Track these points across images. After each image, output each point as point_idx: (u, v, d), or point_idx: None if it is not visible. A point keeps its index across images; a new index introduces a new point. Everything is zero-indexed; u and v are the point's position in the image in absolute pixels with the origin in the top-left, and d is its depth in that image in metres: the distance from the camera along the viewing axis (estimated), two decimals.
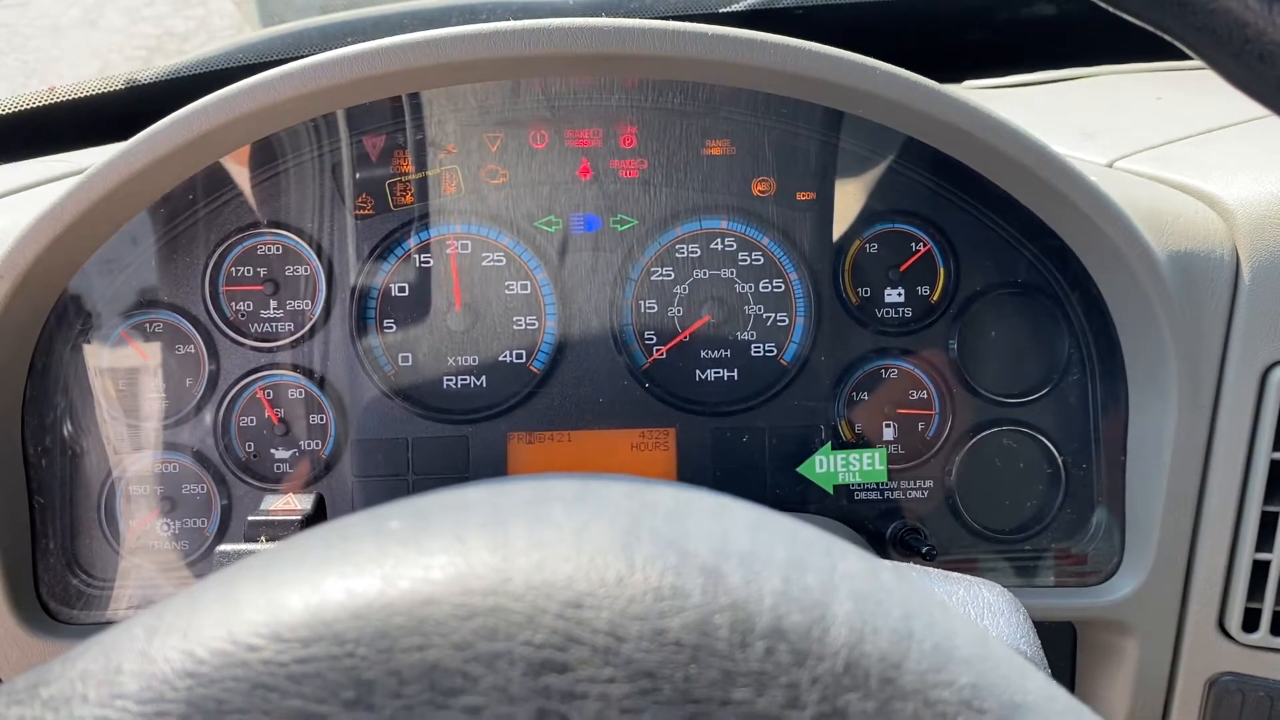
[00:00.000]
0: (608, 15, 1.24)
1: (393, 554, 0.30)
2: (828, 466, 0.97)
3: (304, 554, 0.31)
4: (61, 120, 1.29)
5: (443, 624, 0.28)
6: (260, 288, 0.96)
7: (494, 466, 0.98)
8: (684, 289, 0.99)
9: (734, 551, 0.30)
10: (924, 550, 0.93)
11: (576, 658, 0.27)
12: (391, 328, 0.97)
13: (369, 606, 0.28)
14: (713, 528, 0.31)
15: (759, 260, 0.99)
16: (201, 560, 0.96)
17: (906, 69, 0.86)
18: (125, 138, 0.86)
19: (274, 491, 0.96)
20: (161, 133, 0.82)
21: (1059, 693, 0.31)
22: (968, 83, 1.33)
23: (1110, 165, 1.02)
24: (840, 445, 0.98)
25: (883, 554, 0.96)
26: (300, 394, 0.97)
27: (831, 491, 0.98)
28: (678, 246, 0.99)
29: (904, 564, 0.74)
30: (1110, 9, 0.40)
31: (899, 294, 0.98)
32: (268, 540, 0.73)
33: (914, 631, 0.29)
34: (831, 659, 0.28)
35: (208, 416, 0.96)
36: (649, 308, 0.99)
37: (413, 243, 0.97)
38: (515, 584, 0.28)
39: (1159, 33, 0.39)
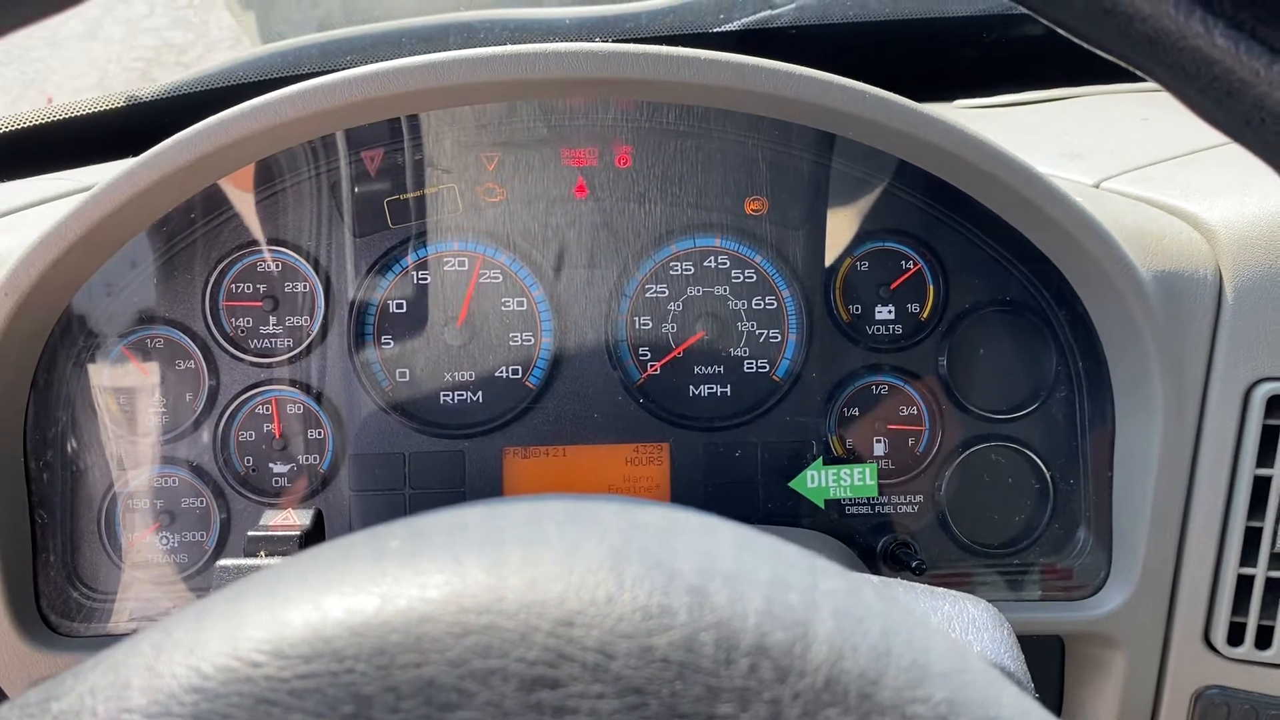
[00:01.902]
0: (604, 34, 1.26)
1: (391, 573, 0.31)
2: (819, 481, 0.98)
3: (305, 573, 0.32)
4: (62, 137, 1.30)
5: (439, 641, 0.29)
6: (260, 304, 0.97)
7: (489, 481, 0.99)
8: (678, 305, 1.00)
9: (719, 571, 0.31)
10: (913, 564, 0.94)
11: (567, 674, 0.29)
12: (389, 343, 0.98)
13: (367, 624, 0.29)
14: (699, 548, 0.32)
15: (752, 277, 1.00)
16: (200, 573, 0.96)
17: (896, 90, 0.87)
18: (126, 155, 0.87)
19: (272, 506, 0.97)
20: (165, 153, 0.84)
21: (1033, 707, 0.32)
22: (957, 103, 1.35)
23: (1096, 186, 1.03)
24: (831, 460, 0.99)
25: (873, 568, 0.97)
26: (298, 409, 0.98)
27: (823, 506, 0.99)
28: (672, 264, 1.00)
29: (889, 580, 0.75)
30: (1083, 44, 0.41)
31: (889, 311, 1.00)
32: (268, 555, 0.74)
33: (892, 648, 0.30)
34: (812, 675, 0.29)
35: (207, 431, 0.97)
36: (643, 324, 1.00)
37: (410, 259, 0.98)
38: (508, 603, 0.29)
39: (1129, 67, 0.41)
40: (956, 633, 0.60)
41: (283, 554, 0.76)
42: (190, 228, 0.96)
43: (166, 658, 0.30)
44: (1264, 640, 0.90)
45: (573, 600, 0.29)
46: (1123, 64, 0.40)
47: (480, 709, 0.28)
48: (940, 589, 0.66)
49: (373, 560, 0.32)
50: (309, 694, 0.28)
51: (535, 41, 0.86)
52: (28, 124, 1.29)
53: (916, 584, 0.68)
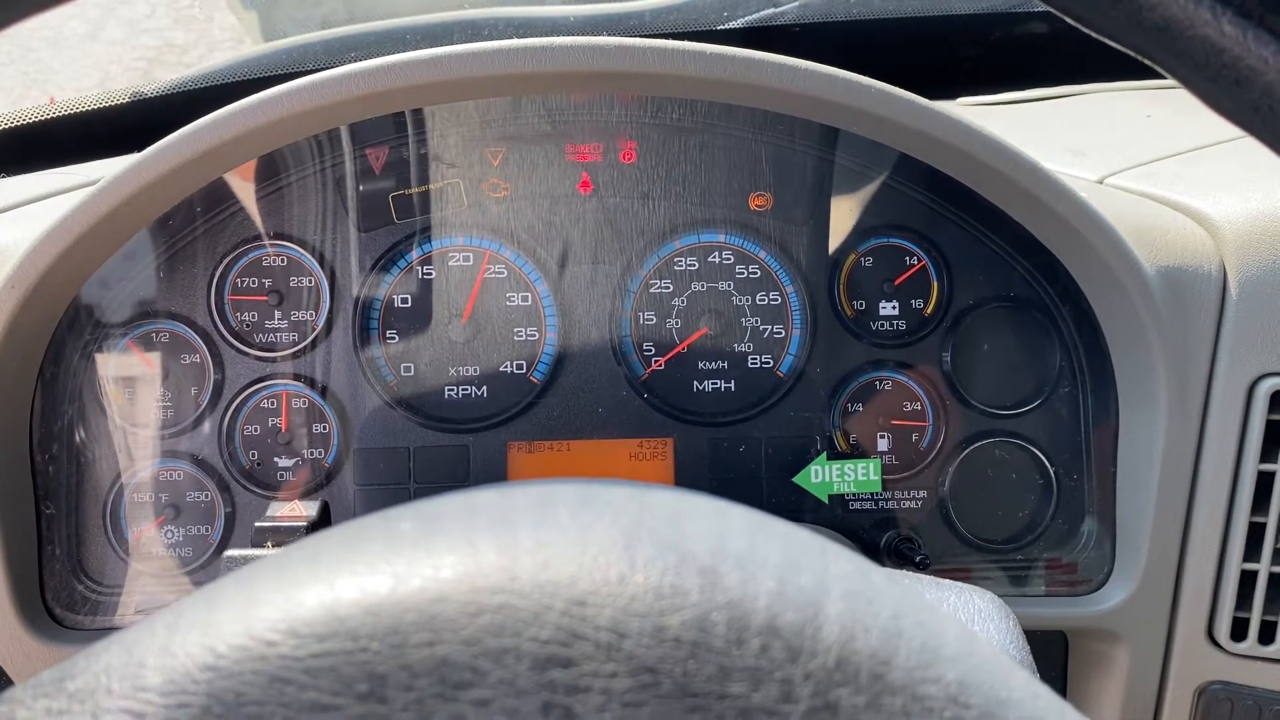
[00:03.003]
0: (608, 32, 1.26)
1: (404, 554, 0.31)
2: (823, 476, 0.98)
3: (318, 554, 0.32)
4: (67, 132, 1.31)
5: (452, 620, 0.29)
6: (265, 298, 0.97)
7: (494, 475, 0.99)
8: (682, 301, 1.00)
9: (731, 553, 0.31)
10: (917, 559, 0.94)
11: (580, 653, 0.29)
12: (394, 338, 0.99)
13: (381, 604, 0.30)
14: (710, 530, 0.32)
15: (756, 273, 1.00)
16: (205, 566, 0.97)
17: (901, 86, 0.87)
18: (130, 150, 0.87)
19: (276, 499, 0.97)
20: (172, 147, 0.84)
21: (1042, 689, 0.33)
22: (961, 100, 1.35)
23: (1100, 182, 1.03)
24: (835, 455, 0.99)
25: (877, 563, 0.97)
26: (303, 403, 0.98)
27: (826, 501, 0.99)
28: (676, 259, 1.00)
29: (895, 572, 0.75)
30: (1091, 33, 0.41)
31: (893, 307, 1.00)
32: (274, 546, 0.74)
33: (903, 630, 0.31)
34: (824, 655, 0.29)
35: (212, 425, 0.97)
36: (647, 319, 1.00)
37: (415, 255, 0.99)
38: (522, 583, 0.30)
39: (1138, 56, 0.41)
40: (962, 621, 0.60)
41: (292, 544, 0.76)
42: (195, 222, 0.96)
43: (180, 637, 0.30)
44: (1267, 636, 0.90)
45: (585, 580, 0.30)
46: (1132, 53, 0.40)
47: (494, 687, 0.28)
48: (946, 581, 0.66)
49: (385, 541, 0.32)
50: (323, 672, 0.29)
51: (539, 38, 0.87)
52: (32, 120, 1.29)
53: (923, 576, 0.68)
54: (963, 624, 0.34)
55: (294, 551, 0.33)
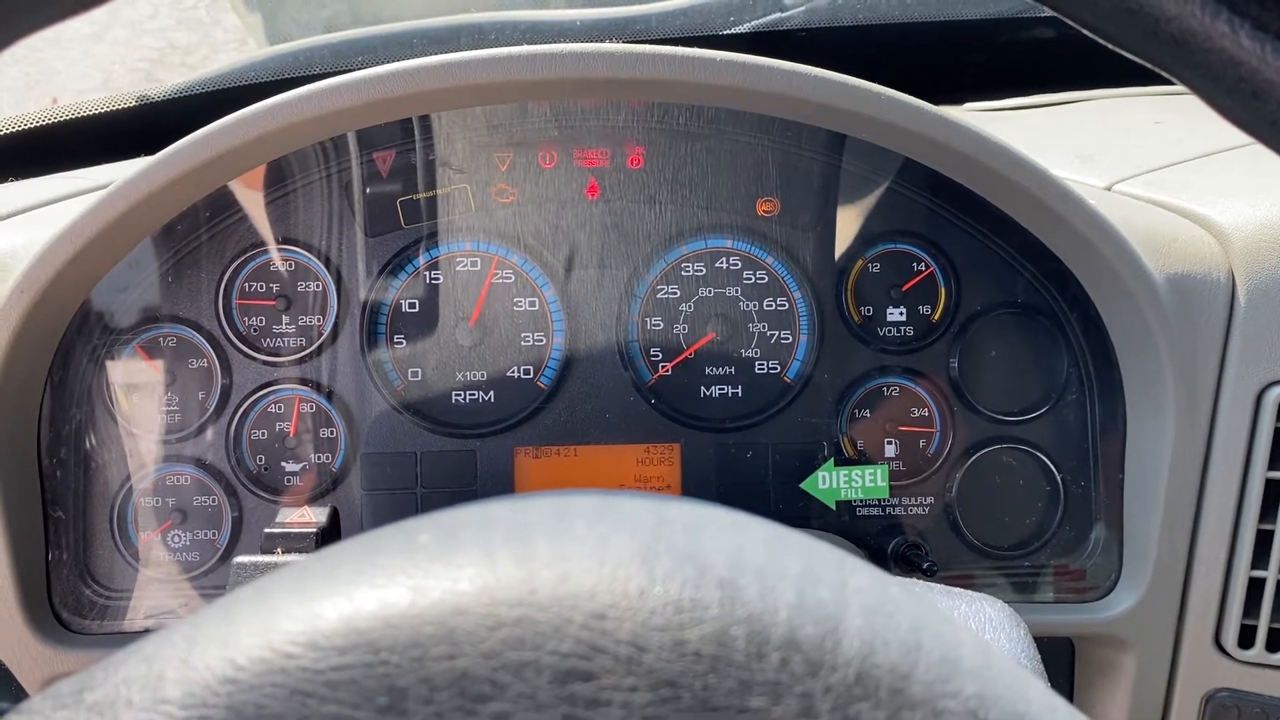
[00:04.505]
0: (614, 36, 1.26)
1: (423, 566, 0.31)
2: (830, 482, 0.98)
3: (337, 566, 0.32)
4: (73, 137, 1.31)
5: (472, 633, 0.29)
6: (273, 303, 0.97)
7: (501, 481, 0.99)
8: (689, 306, 1.00)
9: (750, 566, 0.31)
10: (924, 566, 0.94)
11: (600, 667, 0.29)
12: (401, 343, 0.99)
13: (401, 616, 0.30)
14: (729, 542, 0.32)
15: (763, 279, 1.00)
16: (212, 572, 0.97)
17: (908, 92, 0.87)
18: (138, 155, 0.87)
19: (283, 504, 0.97)
20: (183, 150, 0.84)
21: (1060, 703, 0.33)
22: (968, 105, 1.35)
23: (1109, 188, 1.03)
24: (842, 461, 0.99)
25: (884, 569, 0.97)
26: (311, 408, 0.98)
27: (834, 507, 0.99)
28: (683, 265, 1.00)
29: (907, 581, 0.75)
30: (1108, 44, 0.41)
31: (901, 313, 1.00)
32: (284, 552, 0.74)
33: (922, 644, 0.31)
34: (844, 670, 0.29)
35: (219, 430, 0.97)
36: (654, 324, 1.00)
37: (423, 260, 0.99)
38: (541, 596, 0.30)
39: (1154, 68, 0.41)
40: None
41: (299, 551, 0.76)
42: (202, 227, 0.96)
43: (200, 650, 0.30)
44: (1275, 643, 0.90)
45: (605, 594, 0.30)
46: (1148, 65, 0.40)
47: (514, 701, 0.28)
48: (956, 589, 0.66)
49: (403, 554, 0.32)
50: (344, 685, 0.29)
51: (545, 43, 0.87)
52: (38, 124, 1.29)
53: (933, 584, 0.68)
54: (979, 636, 0.34)
55: (312, 563, 0.33)
